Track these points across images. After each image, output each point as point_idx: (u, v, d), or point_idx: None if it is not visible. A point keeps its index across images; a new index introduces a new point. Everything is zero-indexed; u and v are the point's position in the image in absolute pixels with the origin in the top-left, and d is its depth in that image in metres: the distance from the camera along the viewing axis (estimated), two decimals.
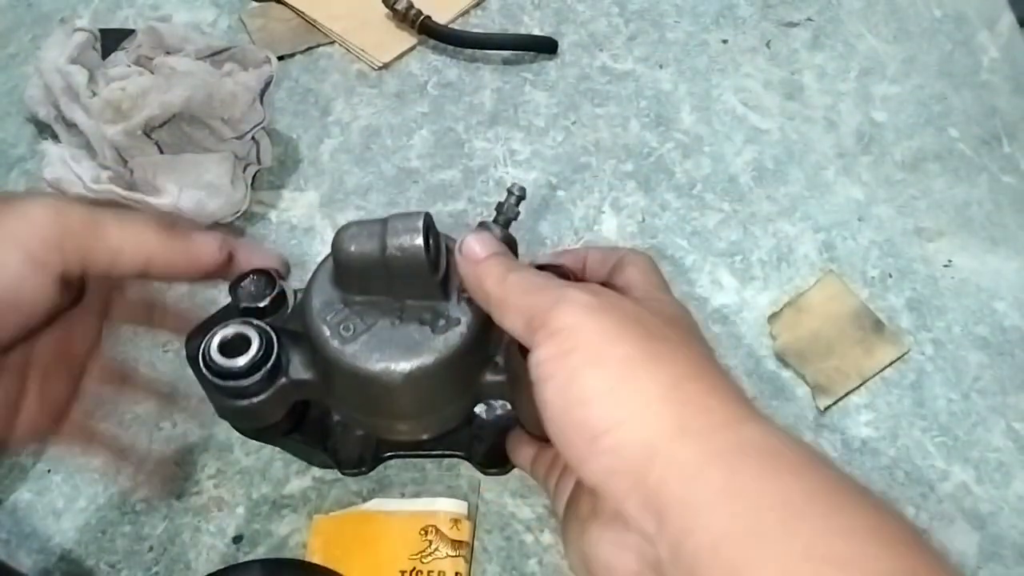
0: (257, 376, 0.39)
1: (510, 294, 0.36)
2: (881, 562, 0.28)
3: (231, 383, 0.38)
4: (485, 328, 0.40)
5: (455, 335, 0.39)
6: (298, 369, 0.40)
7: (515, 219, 0.42)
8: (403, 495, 0.49)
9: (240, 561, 0.47)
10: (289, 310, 0.41)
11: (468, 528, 0.47)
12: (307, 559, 0.46)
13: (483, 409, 0.50)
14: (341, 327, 0.39)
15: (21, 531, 0.48)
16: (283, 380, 0.40)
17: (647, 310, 0.36)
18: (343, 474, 0.49)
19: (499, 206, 0.42)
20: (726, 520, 0.29)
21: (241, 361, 0.38)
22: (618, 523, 0.32)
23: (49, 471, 0.50)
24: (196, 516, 0.49)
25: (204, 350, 0.38)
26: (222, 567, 0.46)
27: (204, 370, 0.38)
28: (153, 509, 0.49)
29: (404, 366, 0.38)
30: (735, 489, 0.30)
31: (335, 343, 0.38)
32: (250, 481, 0.49)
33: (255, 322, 0.39)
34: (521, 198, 0.42)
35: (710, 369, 0.34)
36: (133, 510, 0.49)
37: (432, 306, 0.39)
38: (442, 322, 0.39)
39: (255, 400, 0.39)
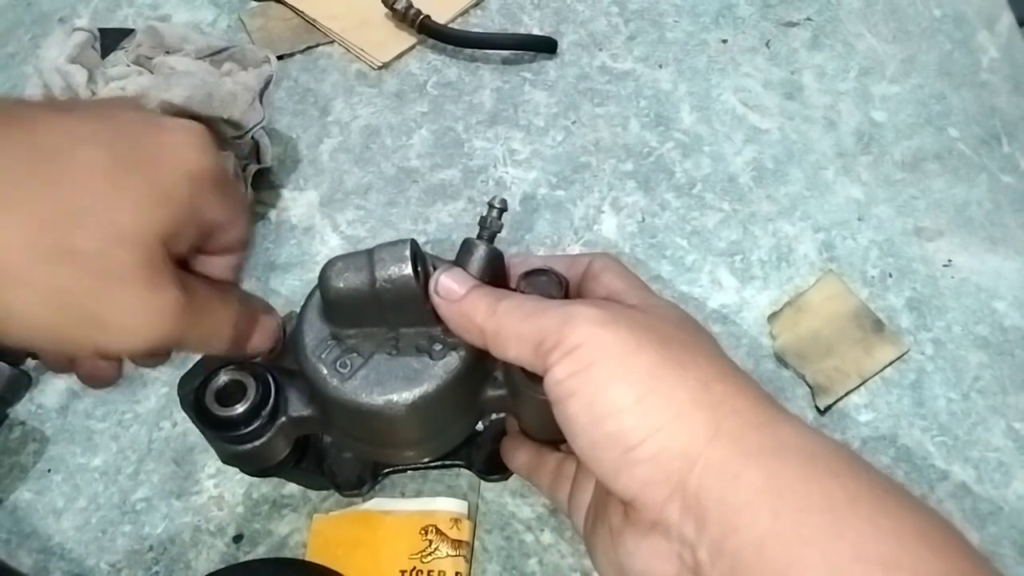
0: (256, 422, 0.38)
1: (506, 323, 0.36)
2: (931, 564, 0.28)
3: (231, 432, 0.38)
4: None
5: (454, 359, 0.38)
6: (297, 406, 0.40)
7: (499, 232, 0.41)
8: (403, 495, 0.49)
9: (240, 561, 0.47)
10: (279, 346, 0.41)
11: (468, 528, 0.47)
12: (307, 559, 0.46)
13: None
14: (338, 364, 0.38)
15: (21, 531, 0.48)
16: (283, 419, 0.39)
17: (654, 316, 0.36)
18: (343, 495, 0.48)
19: (482, 220, 0.41)
20: (769, 519, 0.29)
21: (239, 408, 0.38)
22: (655, 532, 0.32)
23: (49, 471, 0.50)
24: (196, 516, 0.49)
25: (200, 401, 0.38)
26: (222, 567, 0.46)
27: (201, 422, 0.38)
28: (153, 509, 0.49)
29: (407, 397, 0.38)
30: (776, 489, 0.30)
31: (334, 382, 0.38)
32: (250, 481, 0.49)
33: (248, 364, 0.39)
34: (503, 211, 0.41)
35: (732, 369, 0.34)
36: (133, 509, 0.49)
37: (427, 332, 0.39)
38: (439, 347, 0.39)
39: (257, 444, 0.39)
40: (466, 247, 0.41)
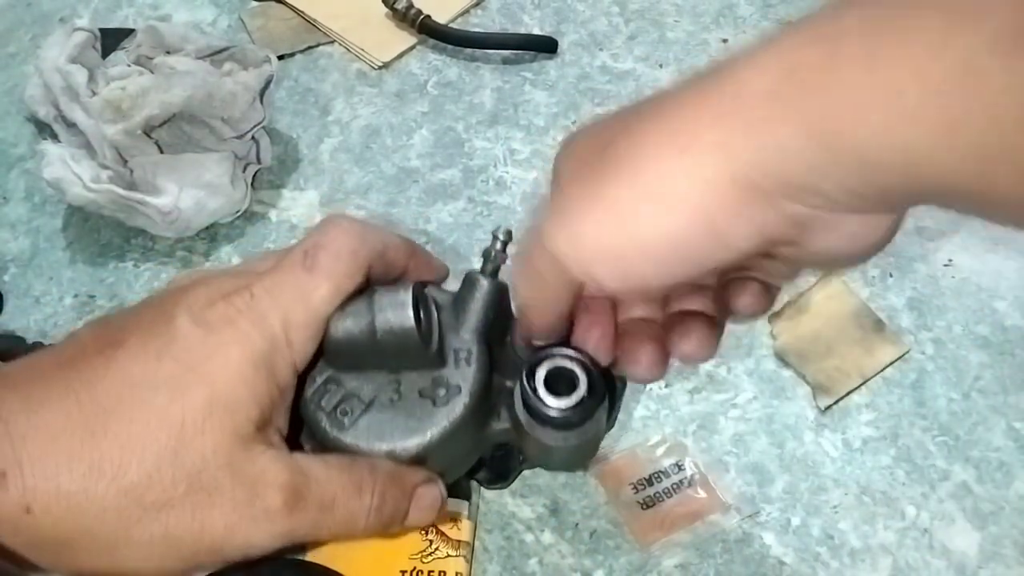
0: None
1: (528, 293, 0.34)
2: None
3: None
4: (487, 385, 0.39)
5: (458, 405, 0.37)
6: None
7: (503, 264, 0.40)
8: None
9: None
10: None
11: (468, 528, 0.46)
12: (307, 559, 0.46)
13: None
14: (338, 411, 0.37)
15: None
16: None
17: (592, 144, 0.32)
18: None
19: (486, 252, 0.40)
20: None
21: None
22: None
23: None
24: None
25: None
26: (222, 567, 0.46)
27: None
28: None
29: (410, 447, 0.37)
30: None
31: (334, 432, 0.37)
32: None
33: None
34: (507, 242, 0.39)
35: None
36: None
37: (430, 375, 0.38)
38: (442, 392, 0.37)
39: None
40: (469, 282, 0.39)
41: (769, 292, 0.35)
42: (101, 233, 0.60)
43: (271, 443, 0.35)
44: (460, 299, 0.40)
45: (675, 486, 0.48)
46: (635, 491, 0.48)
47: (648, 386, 0.52)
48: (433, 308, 0.38)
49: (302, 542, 0.35)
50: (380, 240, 0.38)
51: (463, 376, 0.38)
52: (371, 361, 0.37)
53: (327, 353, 0.37)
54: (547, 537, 0.47)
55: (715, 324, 0.35)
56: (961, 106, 0.23)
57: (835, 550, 0.47)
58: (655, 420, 0.51)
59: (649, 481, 0.48)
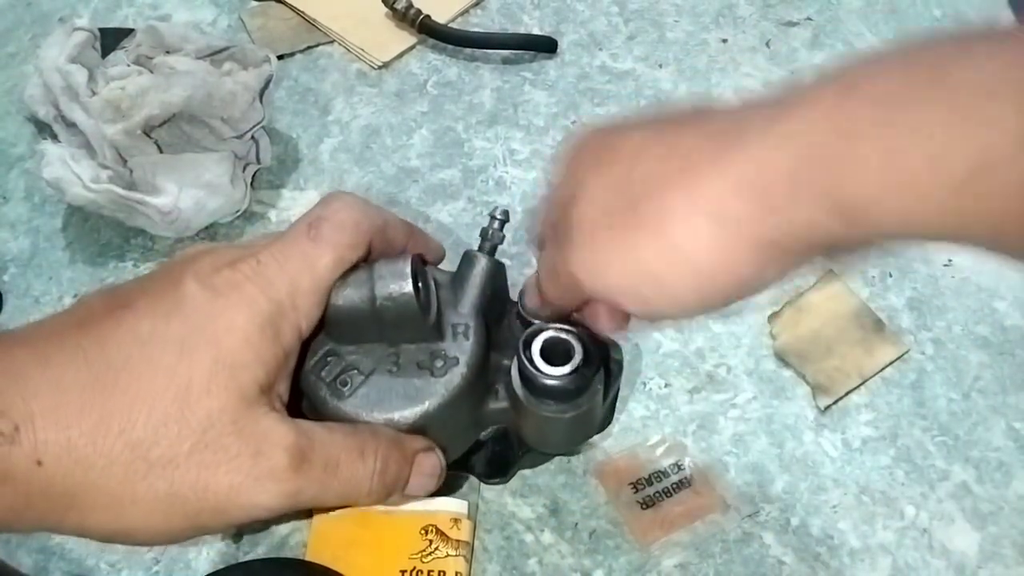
0: None
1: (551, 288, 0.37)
2: None
3: None
4: (484, 360, 0.39)
5: (456, 376, 0.38)
6: None
7: (500, 244, 0.41)
8: None
9: (240, 560, 0.47)
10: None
11: (468, 528, 0.46)
12: (307, 559, 0.46)
13: None
14: (338, 382, 0.38)
15: None
16: None
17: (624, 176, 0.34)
18: None
19: (483, 232, 0.41)
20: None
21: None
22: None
23: None
24: None
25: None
26: (222, 567, 0.46)
27: None
28: None
29: (407, 416, 0.38)
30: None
31: (333, 401, 0.37)
32: None
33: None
34: (504, 222, 0.41)
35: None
36: None
37: (428, 348, 0.38)
38: (440, 363, 0.38)
39: None
40: (467, 260, 0.40)
41: None
42: (101, 233, 0.60)
43: (274, 407, 0.35)
44: (458, 277, 0.40)
45: (675, 486, 0.48)
46: (635, 491, 0.48)
47: (648, 386, 0.52)
48: (431, 281, 0.39)
49: (307, 506, 0.35)
50: (381, 216, 0.39)
51: (461, 349, 0.39)
52: (370, 332, 0.38)
53: (328, 324, 0.38)
54: (547, 537, 0.48)
55: None
56: (974, 200, 0.26)
57: (835, 550, 0.47)
58: (655, 420, 0.51)
59: (649, 481, 0.49)
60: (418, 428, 0.38)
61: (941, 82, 0.26)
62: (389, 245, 0.40)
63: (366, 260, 0.38)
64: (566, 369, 0.38)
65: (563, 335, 0.38)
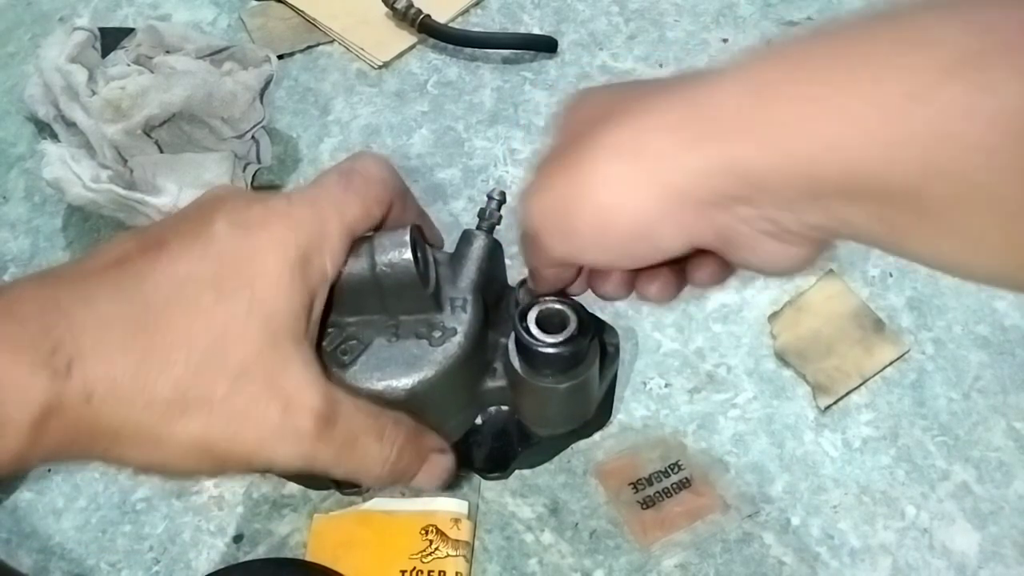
0: None
1: (540, 263, 0.37)
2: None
3: None
4: (482, 334, 0.40)
5: (453, 345, 0.39)
6: None
7: (498, 224, 0.42)
8: (403, 494, 0.49)
9: (240, 561, 0.47)
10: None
11: (468, 528, 0.46)
12: (307, 559, 0.46)
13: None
14: (338, 351, 0.38)
15: (21, 531, 0.48)
16: None
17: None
18: (343, 495, 0.48)
19: (481, 212, 0.42)
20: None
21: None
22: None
23: (49, 471, 0.50)
24: (196, 515, 0.49)
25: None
26: (222, 567, 0.46)
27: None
28: (153, 508, 0.49)
29: (406, 382, 0.38)
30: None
31: (335, 370, 0.38)
32: (250, 480, 0.49)
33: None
34: (502, 202, 0.42)
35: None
36: (133, 509, 0.49)
37: (427, 319, 0.39)
38: (438, 334, 0.39)
39: None
40: (465, 238, 0.41)
41: (728, 267, 0.37)
42: (101, 233, 0.60)
43: (306, 358, 0.35)
44: (457, 254, 0.41)
45: (675, 486, 0.48)
46: (635, 491, 0.48)
47: (648, 386, 0.52)
48: (430, 254, 0.40)
49: (319, 471, 0.36)
50: (403, 183, 0.40)
51: (459, 320, 0.39)
52: (371, 302, 0.38)
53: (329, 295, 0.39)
54: (547, 537, 0.48)
55: (728, 263, 0.37)
56: (906, 125, 0.25)
57: (835, 550, 0.47)
58: (655, 420, 0.51)
59: (649, 481, 0.49)
60: (415, 396, 0.38)
61: (875, 27, 0.27)
62: (400, 217, 0.40)
63: (378, 229, 0.39)
64: (561, 337, 0.39)
65: (558, 306, 0.39)
